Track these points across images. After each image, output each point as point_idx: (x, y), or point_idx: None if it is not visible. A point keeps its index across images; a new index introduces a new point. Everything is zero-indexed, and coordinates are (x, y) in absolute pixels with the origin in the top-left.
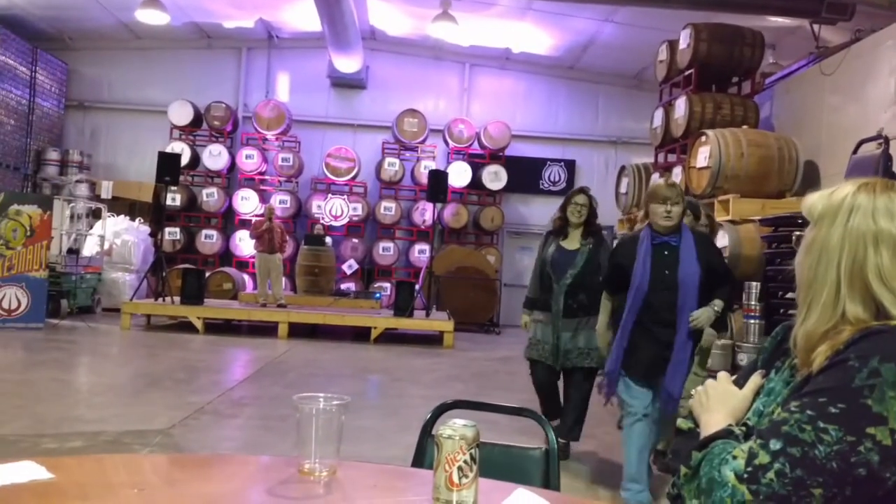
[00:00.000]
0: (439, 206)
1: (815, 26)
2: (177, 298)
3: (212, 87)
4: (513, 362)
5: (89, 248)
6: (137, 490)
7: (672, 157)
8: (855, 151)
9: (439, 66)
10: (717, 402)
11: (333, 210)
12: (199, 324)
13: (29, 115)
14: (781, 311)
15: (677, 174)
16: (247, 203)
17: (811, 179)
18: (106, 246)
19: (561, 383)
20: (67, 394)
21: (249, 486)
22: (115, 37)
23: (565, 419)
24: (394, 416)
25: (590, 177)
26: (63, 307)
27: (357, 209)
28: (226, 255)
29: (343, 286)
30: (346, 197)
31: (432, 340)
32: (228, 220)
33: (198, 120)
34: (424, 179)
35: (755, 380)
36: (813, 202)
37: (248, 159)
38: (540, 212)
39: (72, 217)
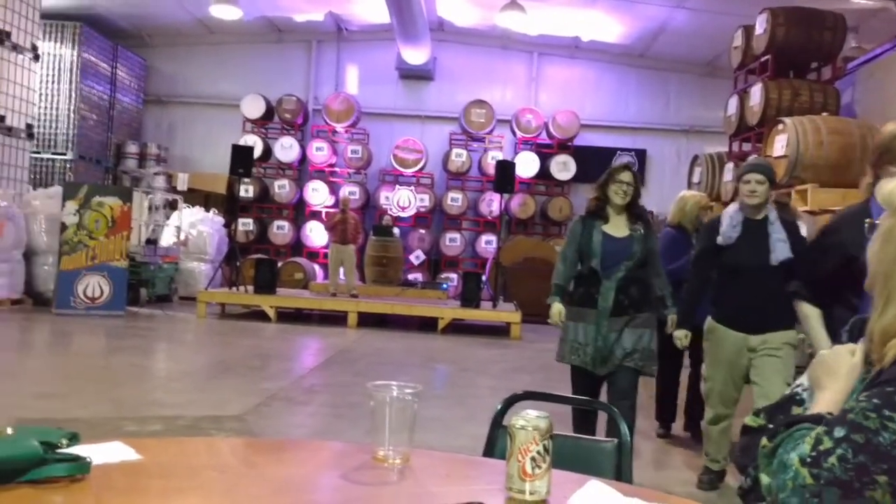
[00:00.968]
0: (506, 196)
1: None
2: (250, 288)
3: (283, 80)
4: None
5: (167, 239)
6: (218, 472)
7: (747, 146)
8: None
9: (507, 56)
10: (828, 376)
11: (401, 201)
12: (271, 312)
13: (110, 111)
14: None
15: None
16: (317, 194)
17: None
18: (182, 236)
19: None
20: (146, 379)
21: (324, 470)
22: (190, 33)
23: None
24: (461, 406)
25: (661, 166)
26: (142, 296)
27: (424, 200)
28: (297, 246)
29: (410, 277)
30: (413, 188)
31: (499, 331)
32: (299, 212)
33: (269, 113)
34: (491, 170)
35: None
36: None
37: (319, 151)
38: None
39: (150, 208)
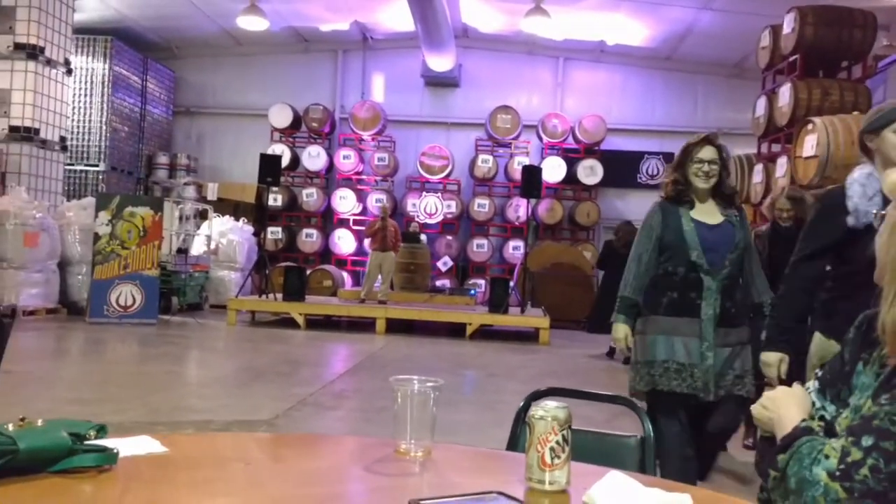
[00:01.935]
0: (533, 201)
1: None
2: (279, 295)
3: (309, 89)
4: (613, 362)
5: (197, 248)
6: (245, 464)
7: (776, 147)
8: None
9: (532, 62)
10: (784, 401)
11: (428, 208)
12: (300, 319)
13: (141, 122)
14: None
15: (782, 164)
16: (345, 202)
17: None
18: (212, 245)
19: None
20: (179, 385)
21: (348, 462)
22: (218, 44)
23: (703, 456)
24: (490, 410)
25: None
26: (174, 304)
27: (451, 206)
28: (325, 253)
29: (438, 283)
30: (440, 194)
31: (528, 337)
32: (327, 219)
33: (297, 122)
34: (518, 176)
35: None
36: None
37: (346, 159)
38: (638, 206)
39: (181, 218)
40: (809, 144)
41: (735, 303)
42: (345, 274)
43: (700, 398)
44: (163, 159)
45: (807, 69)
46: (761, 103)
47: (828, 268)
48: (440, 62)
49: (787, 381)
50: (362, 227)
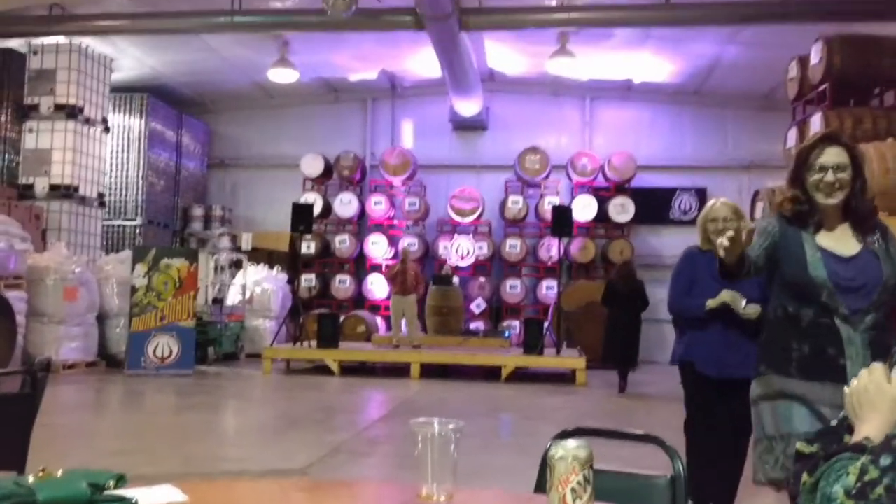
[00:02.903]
0: (565, 241)
1: None
2: (314, 342)
3: (340, 138)
4: (650, 400)
5: (232, 298)
6: None
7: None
8: None
9: (559, 102)
10: (869, 408)
11: (459, 250)
12: (334, 366)
13: (176, 176)
14: None
15: None
16: (377, 247)
17: None
18: (247, 295)
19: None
20: (214, 435)
21: None
22: (250, 97)
23: None
24: (526, 454)
25: None
26: (210, 354)
27: (483, 248)
28: (359, 299)
29: (472, 325)
30: (471, 236)
31: (564, 378)
32: (360, 265)
33: (328, 170)
34: (549, 215)
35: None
36: None
37: (377, 205)
38: (672, 242)
39: (216, 268)
40: None
41: (884, 349)
42: (378, 319)
43: None
44: (198, 211)
45: (837, 98)
46: (792, 134)
47: None
48: (468, 106)
49: None
50: None
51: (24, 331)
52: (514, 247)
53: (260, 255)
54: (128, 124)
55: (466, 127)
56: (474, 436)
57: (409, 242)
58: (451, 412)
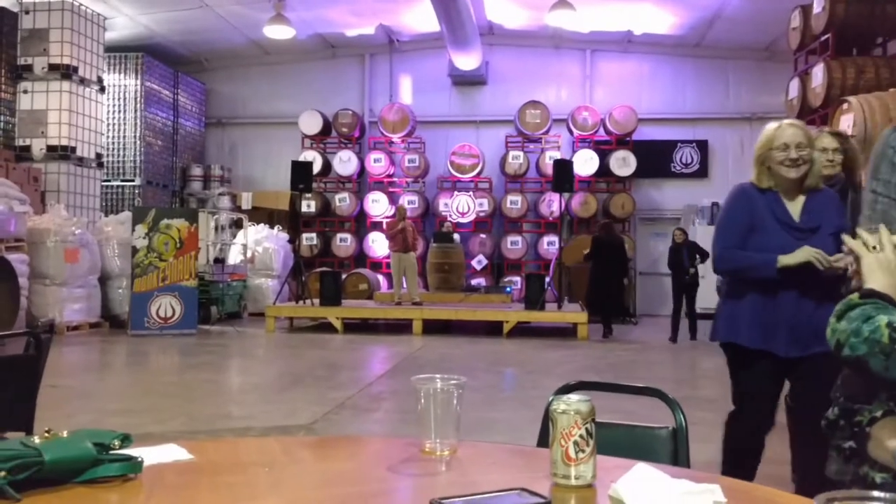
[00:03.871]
0: (566, 196)
1: None
2: (316, 301)
3: (338, 94)
4: (650, 352)
5: (234, 257)
6: (267, 468)
7: (811, 129)
8: None
9: (559, 55)
10: (885, 274)
11: (460, 207)
12: (337, 324)
13: (174, 136)
14: None
15: None
16: (377, 205)
17: None
18: (249, 254)
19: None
20: (218, 393)
21: (372, 463)
22: (247, 54)
23: None
24: (528, 407)
25: (724, 156)
26: (213, 313)
27: (483, 205)
28: (360, 257)
29: (473, 282)
30: (471, 193)
31: (566, 332)
32: (361, 223)
33: (327, 128)
34: (549, 170)
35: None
36: None
37: (377, 163)
38: (673, 196)
39: (216, 228)
40: (846, 124)
41: None
42: (380, 277)
43: None
44: (197, 171)
45: (839, 48)
46: (794, 85)
47: None
48: (466, 61)
49: None
50: None
51: (27, 293)
52: (514, 203)
53: (260, 215)
54: (123, 84)
55: (465, 82)
56: (477, 390)
57: (409, 200)
58: (454, 368)
